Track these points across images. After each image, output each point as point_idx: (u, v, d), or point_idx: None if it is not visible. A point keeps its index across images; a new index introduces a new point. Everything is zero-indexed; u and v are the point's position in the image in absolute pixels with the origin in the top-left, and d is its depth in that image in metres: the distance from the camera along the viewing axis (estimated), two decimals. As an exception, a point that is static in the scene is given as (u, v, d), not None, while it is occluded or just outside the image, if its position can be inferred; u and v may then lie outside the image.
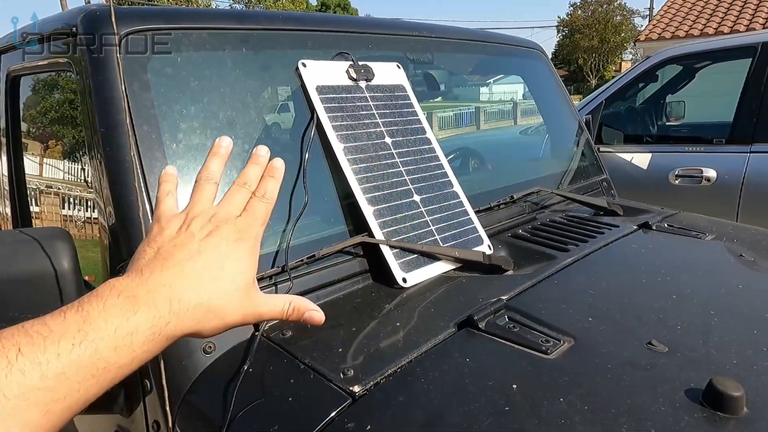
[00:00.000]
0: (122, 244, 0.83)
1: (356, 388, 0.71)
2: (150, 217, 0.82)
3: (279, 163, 0.63)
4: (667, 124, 3.86)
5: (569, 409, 0.65)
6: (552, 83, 1.86)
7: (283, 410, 0.70)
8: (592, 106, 3.48)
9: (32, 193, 1.49)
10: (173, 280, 0.50)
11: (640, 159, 3.28)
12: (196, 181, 0.61)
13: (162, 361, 0.75)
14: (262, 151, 0.63)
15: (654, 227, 1.35)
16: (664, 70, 3.75)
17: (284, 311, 0.59)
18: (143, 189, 0.84)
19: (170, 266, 0.51)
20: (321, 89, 1.09)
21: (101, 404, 0.84)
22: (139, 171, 0.84)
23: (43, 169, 1.49)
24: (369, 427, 0.65)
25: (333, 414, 0.67)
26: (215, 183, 0.61)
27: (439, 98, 2.10)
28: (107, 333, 0.45)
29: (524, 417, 0.64)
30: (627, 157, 3.33)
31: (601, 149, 3.35)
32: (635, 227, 1.34)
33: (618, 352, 0.77)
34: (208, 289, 0.51)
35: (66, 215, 1.37)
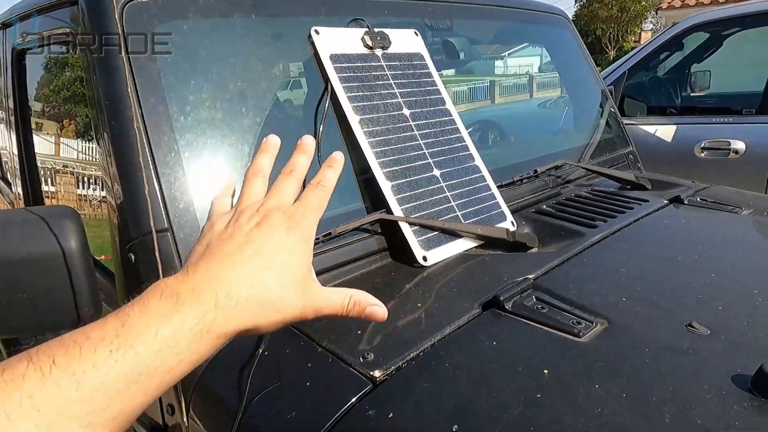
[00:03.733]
0: (130, 223, 0.80)
1: (377, 373, 0.67)
2: (158, 194, 0.78)
3: (339, 155, 0.60)
4: (692, 95, 3.71)
5: (607, 396, 0.60)
6: (578, 52, 1.77)
7: (300, 395, 0.67)
8: (614, 77, 3.35)
9: (45, 172, 1.47)
10: (219, 273, 0.46)
11: (665, 131, 3.16)
12: (244, 178, 0.57)
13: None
14: (308, 139, 0.60)
15: (686, 201, 1.28)
16: (689, 38, 3.59)
17: (344, 306, 0.54)
18: (150, 164, 0.79)
19: (217, 260, 0.47)
20: (335, 58, 1.03)
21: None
22: (146, 145, 0.80)
23: (54, 147, 1.46)
24: (391, 414, 0.61)
25: (353, 400, 0.64)
26: (264, 177, 0.57)
27: (453, 72, 2.02)
28: (148, 336, 0.41)
29: (558, 404, 0.60)
30: (650, 129, 3.21)
31: (624, 121, 3.24)
32: (666, 202, 1.27)
33: (656, 335, 0.72)
34: (260, 281, 0.47)
35: (81, 195, 1.35)
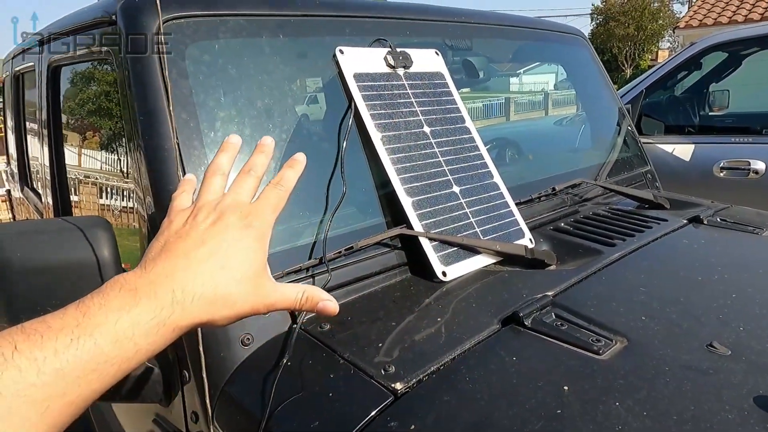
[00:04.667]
0: (161, 234, 0.82)
1: (398, 386, 0.68)
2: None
3: (301, 156, 0.63)
4: (710, 114, 3.69)
5: (627, 414, 0.61)
6: (595, 71, 1.79)
7: (323, 406, 0.69)
8: (632, 95, 3.36)
9: (71, 182, 1.51)
10: (175, 270, 0.49)
11: (683, 150, 3.15)
12: (204, 176, 0.59)
13: (202, 352, 0.74)
14: (268, 140, 0.62)
15: (705, 221, 1.27)
16: (707, 58, 3.59)
17: (297, 300, 0.56)
18: (182, 175, 0.82)
19: (173, 257, 0.50)
20: (359, 77, 1.06)
21: (140, 393, 0.84)
22: (177, 159, 0.83)
23: (82, 159, 1.51)
24: (413, 427, 0.62)
25: (374, 413, 0.65)
26: (223, 175, 0.60)
27: (468, 89, 2.05)
28: (107, 327, 0.44)
29: (578, 421, 0.60)
30: (668, 148, 3.20)
31: (642, 140, 3.23)
32: (685, 221, 1.27)
33: (677, 354, 0.72)
34: (213, 278, 0.50)
35: (103, 204, 1.38)
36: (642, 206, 1.43)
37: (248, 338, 0.80)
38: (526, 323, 0.80)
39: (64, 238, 0.78)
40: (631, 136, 1.77)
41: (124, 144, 1.07)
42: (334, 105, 1.08)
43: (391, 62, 1.13)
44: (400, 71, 1.15)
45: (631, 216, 1.31)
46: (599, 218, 1.30)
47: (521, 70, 2.64)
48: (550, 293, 0.89)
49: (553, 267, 1.03)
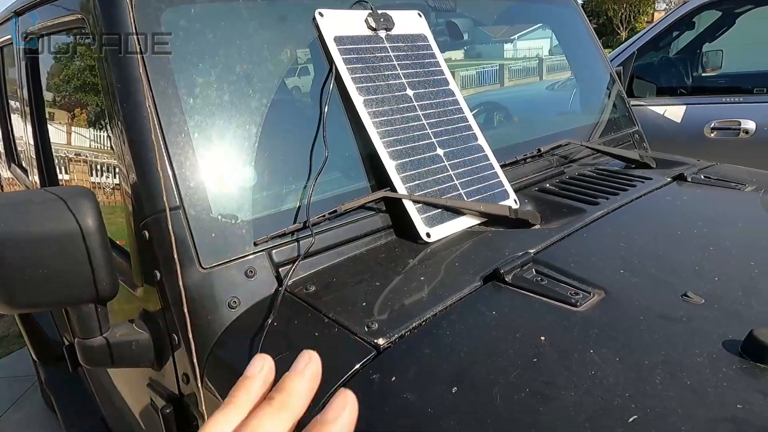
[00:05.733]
0: (144, 202, 0.83)
1: (381, 341, 0.70)
2: (169, 174, 0.81)
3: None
4: (703, 75, 3.67)
5: (600, 361, 0.63)
6: (583, 31, 1.76)
7: (308, 363, 0.70)
8: (623, 57, 3.33)
9: (60, 160, 1.50)
10: None
11: (674, 112, 3.14)
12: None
13: (187, 316, 0.75)
14: (308, 357, 0.36)
15: (689, 179, 1.29)
16: (701, 17, 3.54)
17: None
18: (162, 145, 0.82)
19: None
20: (339, 40, 1.05)
21: (133, 358, 0.86)
22: (157, 127, 0.83)
23: (65, 133, 1.50)
24: (394, 378, 0.64)
25: (357, 366, 0.67)
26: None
27: (462, 56, 2.02)
28: None
29: (554, 369, 0.63)
30: (659, 110, 3.19)
31: (632, 102, 3.21)
32: (669, 179, 1.28)
33: (651, 305, 0.74)
34: None
35: (94, 182, 1.38)
36: (628, 166, 1.44)
37: (235, 301, 0.82)
38: (506, 279, 0.82)
39: (48, 209, 0.78)
40: (619, 97, 1.76)
41: (104, 116, 1.06)
42: (318, 68, 1.07)
43: (372, 24, 1.12)
44: (382, 33, 1.13)
45: (616, 175, 1.32)
46: (584, 178, 1.31)
47: (515, 36, 2.60)
48: (531, 251, 0.90)
49: (537, 226, 1.04)
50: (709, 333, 0.67)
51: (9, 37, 1.62)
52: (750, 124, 2.82)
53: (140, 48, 0.84)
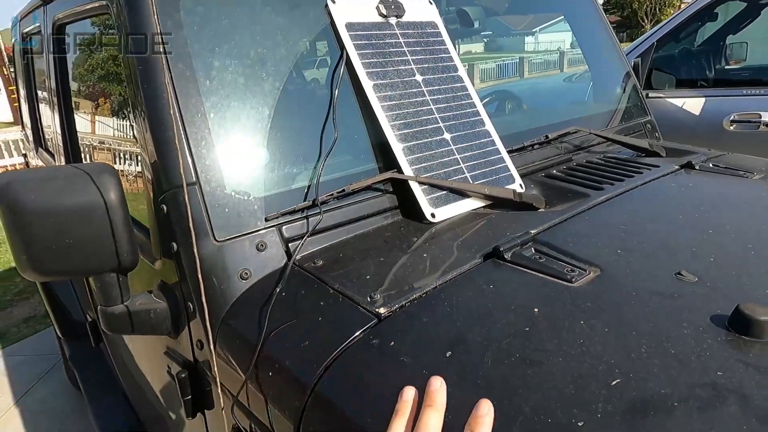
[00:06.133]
0: (162, 178, 0.88)
1: (382, 310, 0.74)
2: (186, 151, 0.86)
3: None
4: (725, 67, 3.61)
5: (589, 331, 0.66)
6: (595, 19, 1.77)
7: (312, 329, 0.75)
8: (642, 49, 3.29)
9: (86, 147, 1.57)
10: None
11: (693, 104, 3.10)
12: None
13: (202, 285, 0.80)
14: (436, 383, 0.55)
15: (697, 167, 1.29)
16: (725, 8, 3.48)
17: None
18: (180, 125, 0.87)
19: None
20: (351, 26, 1.08)
21: (151, 326, 0.92)
22: (175, 108, 0.87)
23: (96, 125, 1.56)
24: (393, 343, 0.68)
25: (358, 333, 0.71)
26: None
27: (482, 49, 2.04)
28: None
29: (544, 337, 0.66)
30: (678, 102, 3.15)
31: (651, 94, 3.19)
32: (677, 167, 1.29)
33: (645, 282, 0.77)
34: None
35: (118, 169, 1.44)
36: (639, 155, 1.45)
37: (246, 273, 0.86)
38: (506, 257, 0.85)
39: (74, 183, 0.83)
40: (632, 86, 1.76)
41: (127, 99, 1.11)
42: (330, 53, 1.10)
43: (383, 11, 1.15)
44: (393, 20, 1.16)
45: (623, 163, 1.34)
46: (592, 165, 1.32)
47: (537, 29, 2.60)
48: (532, 231, 0.93)
49: (541, 210, 1.06)
50: (698, 308, 0.70)
51: (38, 25, 1.69)
52: (771, 117, 2.78)
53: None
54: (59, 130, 1.60)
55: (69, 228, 0.83)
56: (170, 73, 0.88)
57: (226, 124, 0.91)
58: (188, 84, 0.90)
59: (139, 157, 0.97)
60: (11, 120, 16.08)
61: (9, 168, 8.38)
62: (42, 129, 2.14)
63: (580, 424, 0.53)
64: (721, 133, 2.93)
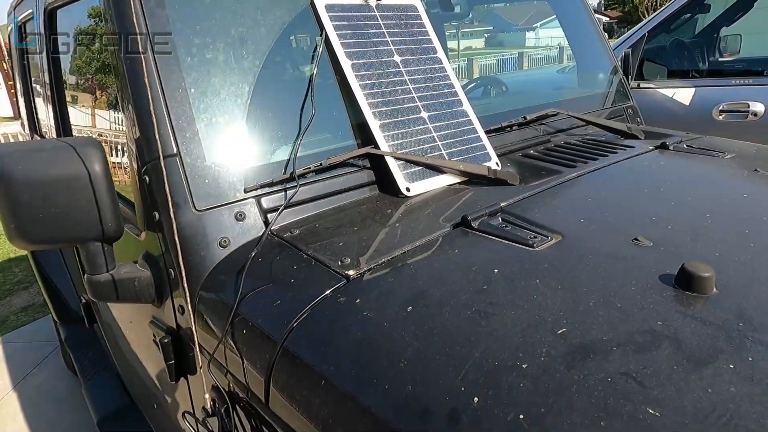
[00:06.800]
0: (144, 150, 0.91)
1: (351, 272, 0.78)
2: (167, 124, 0.90)
3: None
4: (718, 60, 3.63)
5: (543, 288, 0.70)
6: (581, 7, 1.80)
7: (285, 290, 0.79)
8: (634, 40, 3.31)
9: (80, 131, 1.60)
10: None
11: (683, 94, 3.13)
12: None
13: (180, 251, 0.84)
14: None
15: (671, 148, 1.33)
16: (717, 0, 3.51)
17: None
18: (161, 98, 0.90)
19: None
20: (330, 7, 1.12)
21: (136, 294, 0.95)
22: (156, 83, 0.91)
23: (88, 112, 1.59)
24: (358, 300, 0.72)
25: (328, 292, 0.75)
26: None
27: (482, 45, 2.06)
28: None
29: (500, 294, 0.69)
30: (668, 93, 3.18)
31: (642, 85, 3.21)
32: (651, 148, 1.32)
33: (602, 247, 0.80)
34: None
35: (114, 162, 1.48)
36: (617, 137, 1.48)
37: (225, 241, 0.90)
38: (473, 225, 0.89)
39: (59, 154, 0.87)
40: (614, 72, 1.79)
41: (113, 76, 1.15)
42: (307, 34, 1.14)
43: (363, -6, 1.18)
44: (372, 2, 1.20)
45: (600, 144, 1.37)
46: (569, 146, 1.36)
47: (537, 24, 2.62)
48: (502, 203, 0.97)
49: (515, 185, 1.10)
50: (649, 269, 0.73)
51: (31, 11, 1.72)
52: (759, 107, 2.81)
53: (143, 11, 0.92)
54: (51, 115, 1.64)
55: (55, 197, 0.86)
56: (152, 49, 0.92)
57: (206, 99, 0.95)
58: (169, 60, 0.93)
59: (124, 130, 1.00)
60: (11, 115, 16.11)
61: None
62: (37, 116, 2.18)
63: (524, 366, 0.57)
64: (711, 122, 2.96)
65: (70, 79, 1.52)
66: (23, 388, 2.88)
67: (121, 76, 0.94)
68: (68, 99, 1.54)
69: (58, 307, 2.32)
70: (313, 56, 1.09)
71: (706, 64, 3.58)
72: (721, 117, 2.94)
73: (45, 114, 1.78)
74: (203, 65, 0.96)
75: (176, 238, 0.83)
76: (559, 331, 0.61)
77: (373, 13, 1.19)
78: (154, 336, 1.07)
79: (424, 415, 0.55)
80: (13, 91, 15.89)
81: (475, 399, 0.54)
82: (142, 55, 0.91)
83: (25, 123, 2.43)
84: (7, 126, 9.01)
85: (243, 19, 1.03)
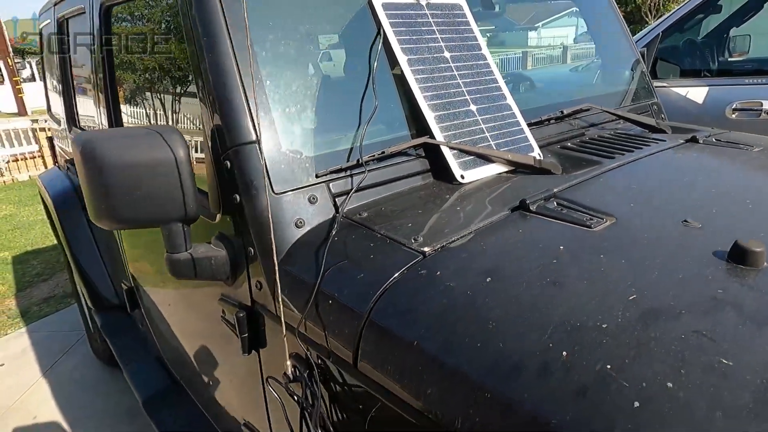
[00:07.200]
0: (226, 136, 0.98)
1: (426, 249, 0.85)
2: (247, 113, 0.97)
3: None
4: (729, 60, 3.70)
5: (608, 262, 0.77)
6: (608, 7, 1.87)
7: (364, 266, 0.86)
8: (648, 39, 3.38)
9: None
10: None
11: (696, 93, 3.20)
12: None
13: (272, 227, 0.91)
14: None
15: (701, 141, 1.40)
16: (729, 0, 3.57)
17: None
18: (241, 89, 0.98)
19: None
20: (386, 6, 1.19)
21: (212, 272, 1.02)
22: (236, 74, 0.98)
23: (139, 101, 1.66)
24: (438, 273, 0.79)
25: (407, 266, 0.82)
26: None
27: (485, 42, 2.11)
28: None
29: (569, 267, 0.77)
30: (682, 91, 3.25)
31: (656, 84, 3.28)
32: (682, 141, 1.40)
33: (655, 228, 0.88)
34: None
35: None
36: (645, 131, 1.56)
37: (301, 221, 0.97)
38: (531, 209, 0.96)
39: (147, 141, 0.94)
40: (640, 70, 1.86)
41: (189, 65, 1.22)
42: (367, 32, 1.21)
43: (415, -7, 1.25)
44: (423, 2, 1.27)
45: (633, 137, 1.44)
46: (603, 139, 1.43)
47: (540, 23, 2.69)
48: (554, 189, 1.04)
49: (558, 175, 1.17)
50: (702, 246, 0.81)
51: (80, 7, 1.79)
52: (772, 105, 2.88)
53: (223, 11, 0.99)
54: (104, 110, 1.70)
55: (143, 181, 0.93)
56: (232, 44, 0.99)
57: (280, 91, 1.02)
58: (247, 55, 1.00)
59: (202, 120, 1.07)
60: (15, 111, 16.16)
61: (27, 156, 8.51)
62: (77, 110, 2.25)
63: (603, 326, 0.64)
64: (724, 120, 3.03)
65: (127, 74, 1.59)
66: (52, 375, 2.96)
67: (203, 71, 1.00)
68: (125, 94, 1.61)
69: (93, 296, 2.39)
70: (371, 52, 1.16)
71: (716, 63, 3.65)
72: (734, 115, 3.00)
73: (91, 109, 1.85)
74: (276, 60, 1.03)
75: (263, 217, 0.90)
76: (630, 298, 0.68)
77: (424, 12, 1.26)
78: (224, 313, 1.14)
79: (517, 369, 0.62)
80: (18, 86, 15.94)
81: (564, 353, 0.61)
82: (223, 51, 0.98)
83: (62, 117, 2.50)
84: (16, 122, 9.06)
85: (309, 18, 1.10)
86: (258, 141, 0.97)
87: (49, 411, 2.64)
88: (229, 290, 1.11)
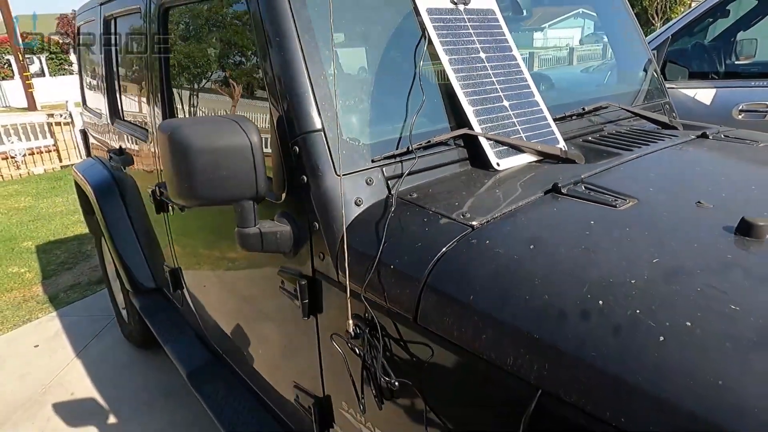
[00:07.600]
0: (295, 124, 1.12)
1: (474, 222, 0.98)
2: (313, 104, 1.10)
3: None
4: (736, 63, 3.82)
5: (633, 234, 0.90)
6: (622, 9, 2.00)
7: (419, 237, 0.99)
8: (658, 42, 3.51)
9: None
10: None
11: (704, 95, 3.33)
12: None
13: (342, 204, 1.05)
14: None
15: (711, 137, 1.53)
16: (736, 5, 3.69)
17: None
18: (308, 83, 1.11)
19: None
20: (430, 11, 1.32)
21: (277, 245, 1.16)
22: (305, 69, 1.12)
23: (198, 101, 1.80)
24: (488, 242, 0.93)
25: (458, 237, 0.96)
26: None
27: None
28: None
29: (600, 237, 0.90)
30: (690, 93, 3.37)
31: (665, 85, 3.41)
32: (694, 137, 1.53)
33: (672, 207, 1.01)
34: None
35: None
36: (658, 128, 1.69)
37: (359, 200, 1.11)
38: (563, 191, 1.09)
39: (226, 128, 1.08)
40: (653, 70, 1.99)
41: (260, 59, 1.35)
42: (413, 33, 1.34)
43: (454, -1, 1.39)
44: (461, 7, 1.40)
45: (648, 133, 1.57)
46: (621, 134, 1.56)
47: (546, 24, 2.81)
48: (581, 176, 1.17)
49: (581, 164, 1.30)
50: (714, 222, 0.94)
51: (134, 6, 1.93)
52: (777, 107, 3.00)
53: (293, 13, 1.13)
54: (158, 106, 1.84)
55: (222, 163, 1.07)
56: (300, 44, 1.12)
57: (341, 85, 1.16)
58: (313, 53, 1.14)
59: (270, 110, 1.21)
60: (25, 106, 16.36)
61: (43, 149, 8.69)
62: (121, 104, 2.39)
63: (632, 281, 0.77)
64: (730, 121, 3.15)
65: (186, 72, 1.73)
66: (84, 356, 3.11)
67: (274, 68, 1.14)
68: (182, 91, 1.75)
69: (131, 282, 2.53)
70: (416, 52, 1.29)
71: (724, 66, 3.77)
72: (740, 116, 3.13)
73: (136, 104, 1.99)
74: (338, 60, 1.17)
75: (328, 195, 1.03)
76: (654, 261, 0.82)
77: (461, 16, 1.39)
78: (283, 283, 1.28)
79: (561, 315, 0.76)
80: (29, 82, 16.12)
81: (600, 302, 0.75)
82: (293, 51, 1.11)
83: (101, 111, 2.64)
84: (32, 116, 9.24)
85: (367, 22, 1.23)
86: (323, 129, 1.11)
87: (86, 388, 2.79)
88: (290, 262, 1.25)
